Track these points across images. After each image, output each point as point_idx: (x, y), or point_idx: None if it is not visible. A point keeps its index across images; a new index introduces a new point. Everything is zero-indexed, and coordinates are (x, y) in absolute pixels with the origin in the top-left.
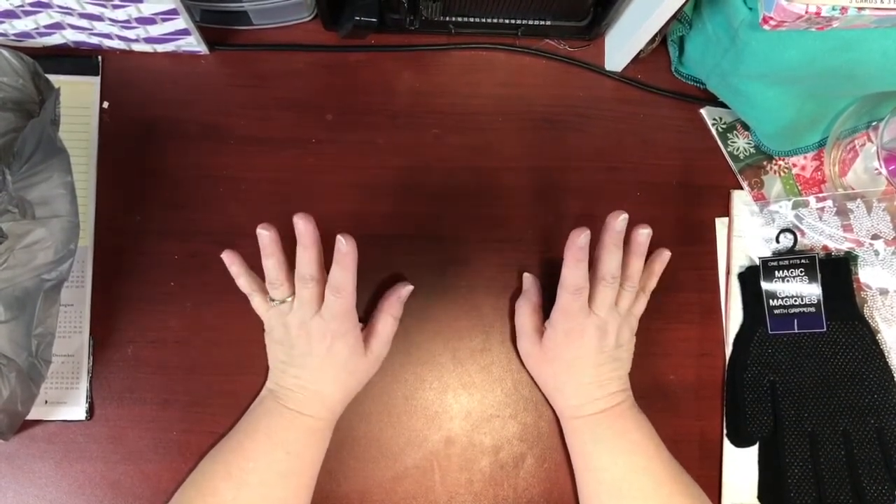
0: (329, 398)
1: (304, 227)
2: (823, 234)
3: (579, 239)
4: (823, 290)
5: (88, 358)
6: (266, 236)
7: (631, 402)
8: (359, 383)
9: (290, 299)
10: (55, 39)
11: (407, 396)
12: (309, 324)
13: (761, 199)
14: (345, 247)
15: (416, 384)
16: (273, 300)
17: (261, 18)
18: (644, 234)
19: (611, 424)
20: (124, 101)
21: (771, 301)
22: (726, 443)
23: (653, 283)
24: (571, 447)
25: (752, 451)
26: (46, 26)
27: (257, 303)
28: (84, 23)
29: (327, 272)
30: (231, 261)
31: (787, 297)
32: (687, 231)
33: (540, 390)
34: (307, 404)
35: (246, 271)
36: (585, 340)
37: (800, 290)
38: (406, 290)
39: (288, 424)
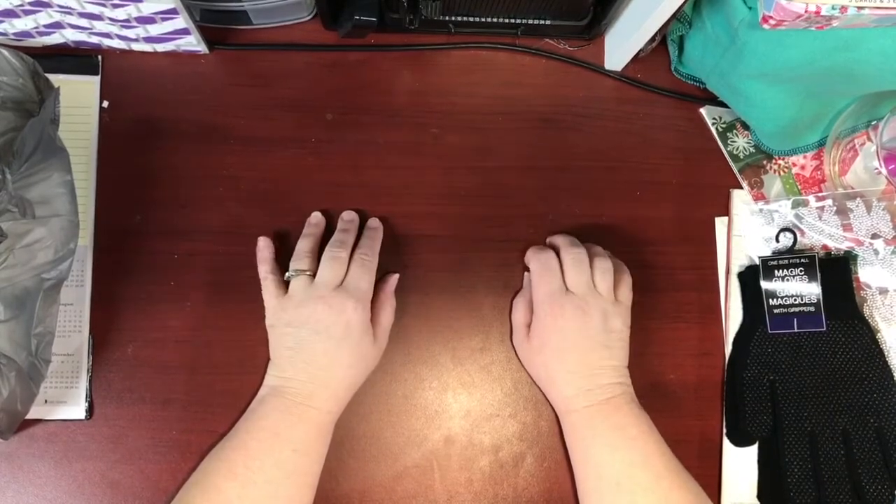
0: (337, 385)
1: (349, 216)
2: (823, 234)
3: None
4: (823, 289)
5: (88, 357)
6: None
7: (629, 396)
8: (364, 371)
9: (308, 273)
10: (55, 39)
11: (406, 396)
12: (328, 296)
13: (761, 199)
14: (375, 223)
15: (415, 384)
16: (293, 272)
17: (260, 18)
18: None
19: (606, 418)
20: (124, 100)
21: (771, 300)
22: (726, 442)
23: (623, 269)
24: (569, 443)
25: (752, 451)
26: (46, 25)
27: (271, 287)
28: (84, 22)
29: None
30: (265, 245)
31: (786, 296)
32: (687, 230)
33: (539, 389)
34: (314, 395)
35: (272, 258)
36: (566, 321)
37: (799, 289)
38: (394, 278)
39: (295, 421)
